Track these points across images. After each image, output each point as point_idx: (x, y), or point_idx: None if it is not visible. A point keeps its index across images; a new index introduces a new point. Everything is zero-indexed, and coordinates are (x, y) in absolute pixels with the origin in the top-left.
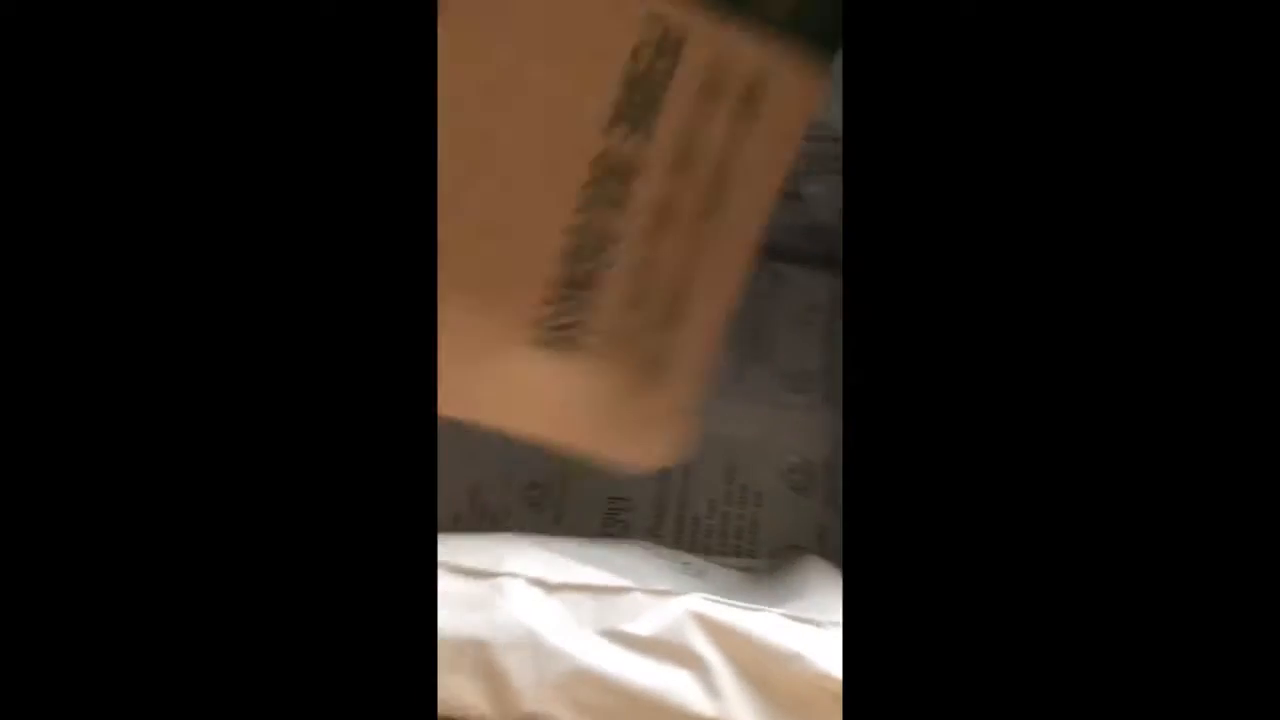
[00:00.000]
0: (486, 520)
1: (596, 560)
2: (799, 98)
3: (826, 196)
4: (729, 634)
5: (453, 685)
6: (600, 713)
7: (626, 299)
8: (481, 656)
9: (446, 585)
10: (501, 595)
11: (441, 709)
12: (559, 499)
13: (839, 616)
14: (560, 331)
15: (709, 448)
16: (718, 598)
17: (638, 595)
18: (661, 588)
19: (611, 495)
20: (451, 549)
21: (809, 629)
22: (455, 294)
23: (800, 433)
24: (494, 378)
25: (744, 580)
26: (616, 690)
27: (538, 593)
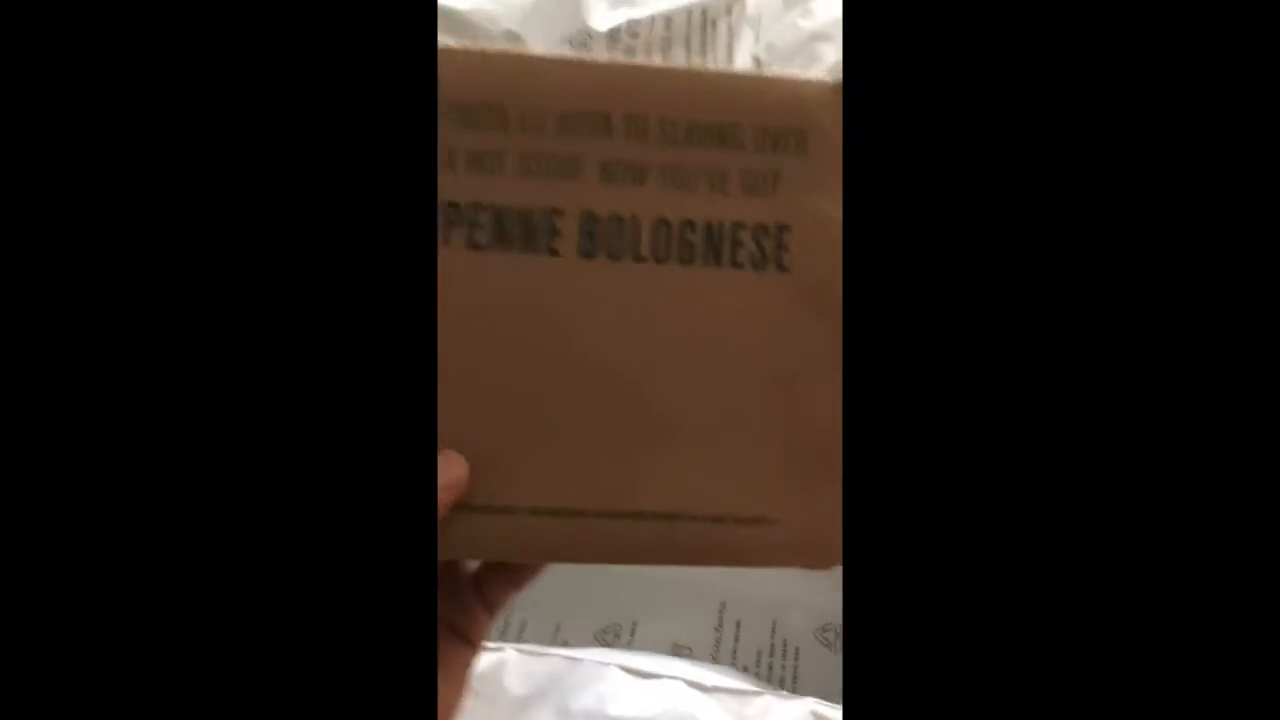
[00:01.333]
0: None
1: (726, 673)
2: None
3: None
4: None
5: None
6: None
7: None
8: None
9: (624, 683)
10: (670, 692)
11: None
12: (629, 640)
13: None
14: None
15: (755, 605)
16: (830, 703)
17: (768, 697)
18: (784, 693)
19: (675, 641)
20: (620, 656)
21: None
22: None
23: (826, 596)
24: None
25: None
26: None
27: (697, 692)
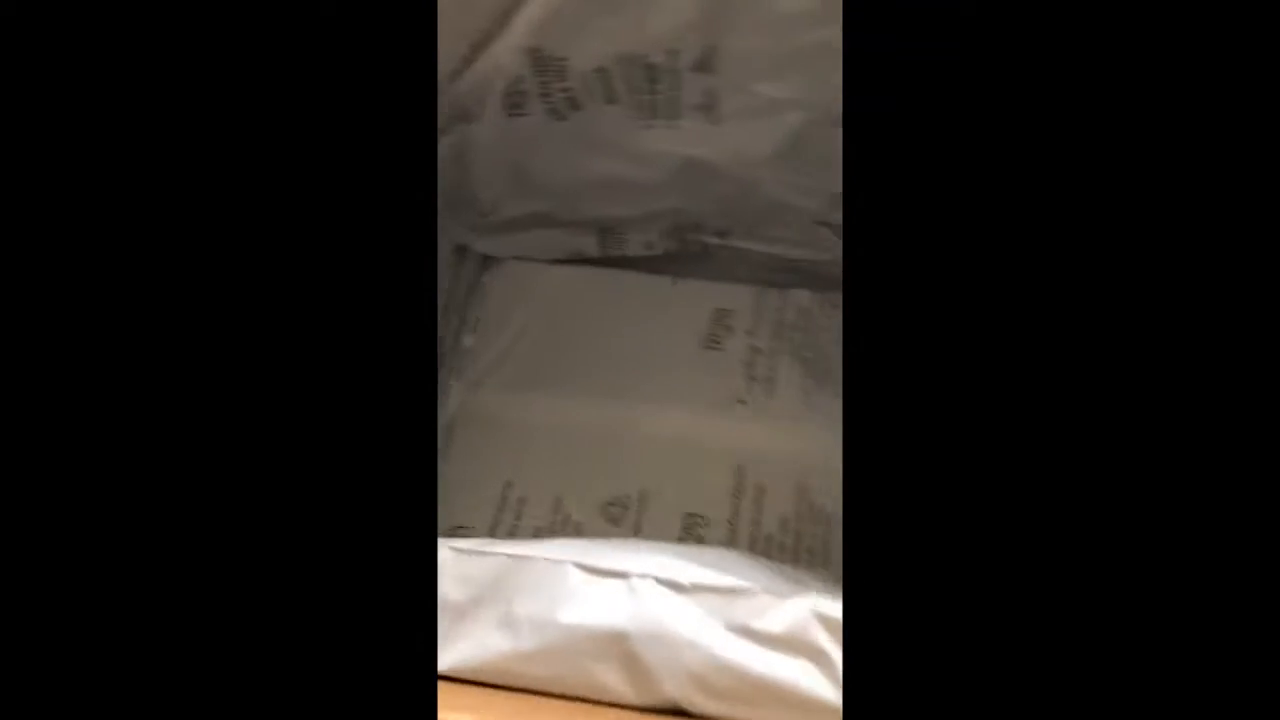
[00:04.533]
0: (569, 531)
1: (712, 564)
2: None
3: None
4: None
5: (599, 672)
6: (734, 699)
7: None
8: (624, 648)
9: (582, 583)
10: (637, 594)
11: (587, 692)
12: (637, 515)
13: None
14: None
15: (781, 468)
16: (834, 599)
17: (763, 596)
18: (780, 589)
19: (688, 512)
20: (579, 551)
21: None
22: None
23: None
24: None
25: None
26: (750, 680)
27: (670, 592)
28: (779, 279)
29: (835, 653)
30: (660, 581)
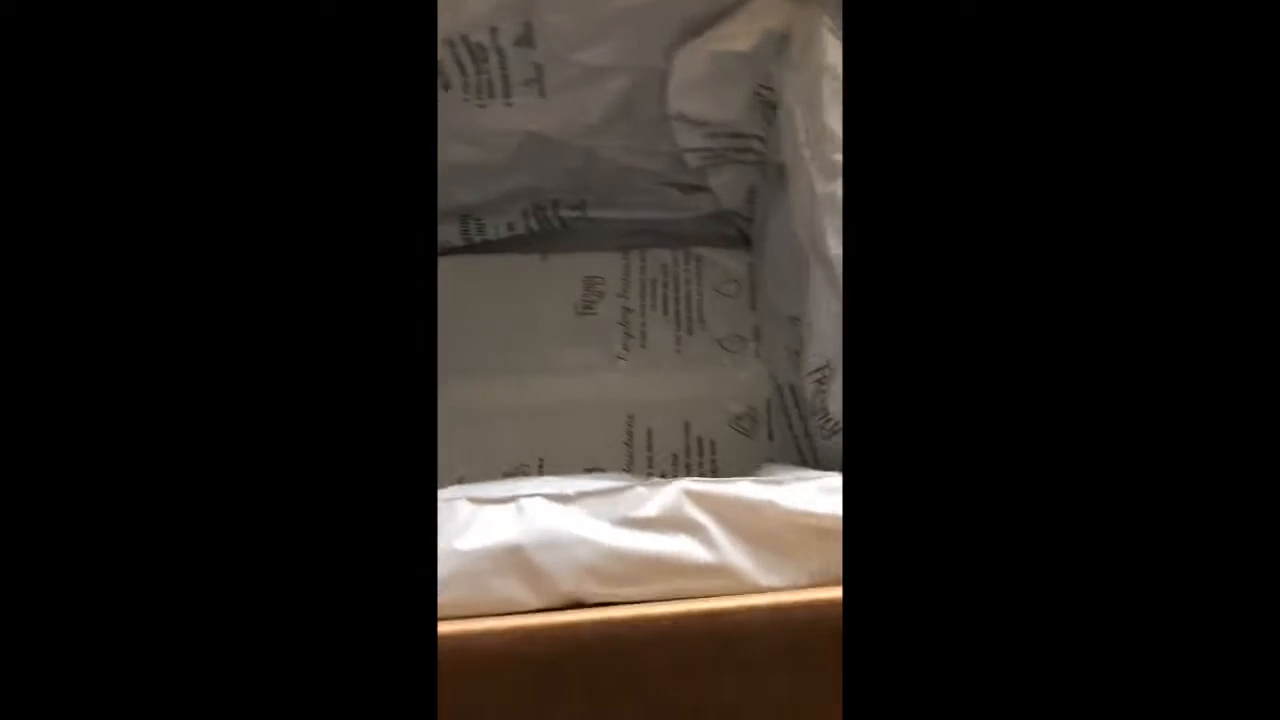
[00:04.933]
0: None
1: (595, 478)
2: None
3: (730, 185)
4: (716, 501)
5: (499, 587)
6: (625, 580)
7: None
8: (520, 558)
9: (478, 513)
10: (526, 512)
11: (493, 607)
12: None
13: (794, 475)
14: None
15: (663, 412)
16: (703, 479)
17: (639, 489)
18: (655, 479)
19: (585, 466)
20: (472, 490)
21: (773, 486)
22: None
23: (739, 386)
24: None
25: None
26: (636, 561)
27: (556, 505)
28: (639, 241)
29: (706, 521)
30: (547, 498)
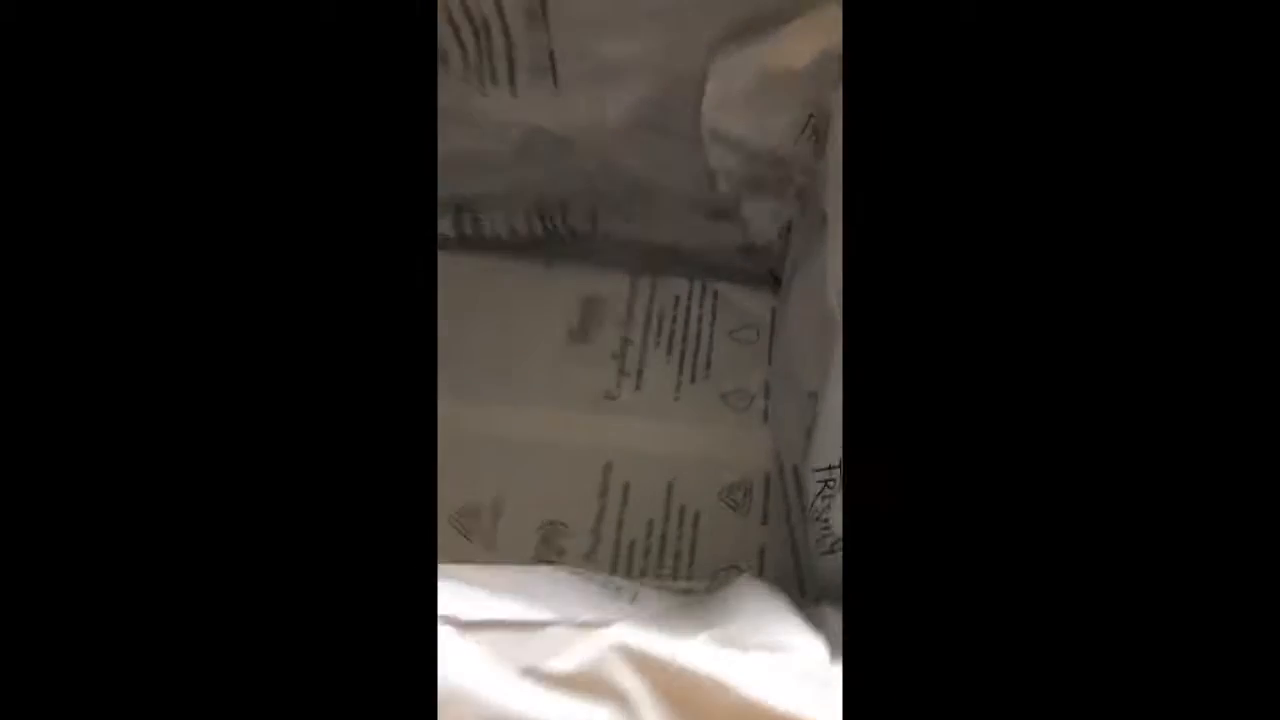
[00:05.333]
0: None
1: (519, 591)
2: None
3: (764, 217)
4: (653, 665)
5: None
6: None
7: None
8: None
9: None
10: None
11: None
12: (491, 525)
13: (766, 638)
14: None
15: (646, 468)
16: (643, 627)
17: (560, 629)
18: (586, 618)
19: (548, 519)
20: None
21: (734, 653)
22: None
23: (738, 451)
24: None
25: (675, 605)
26: None
27: (450, 631)
28: (653, 265)
29: (636, 690)
30: (443, 620)
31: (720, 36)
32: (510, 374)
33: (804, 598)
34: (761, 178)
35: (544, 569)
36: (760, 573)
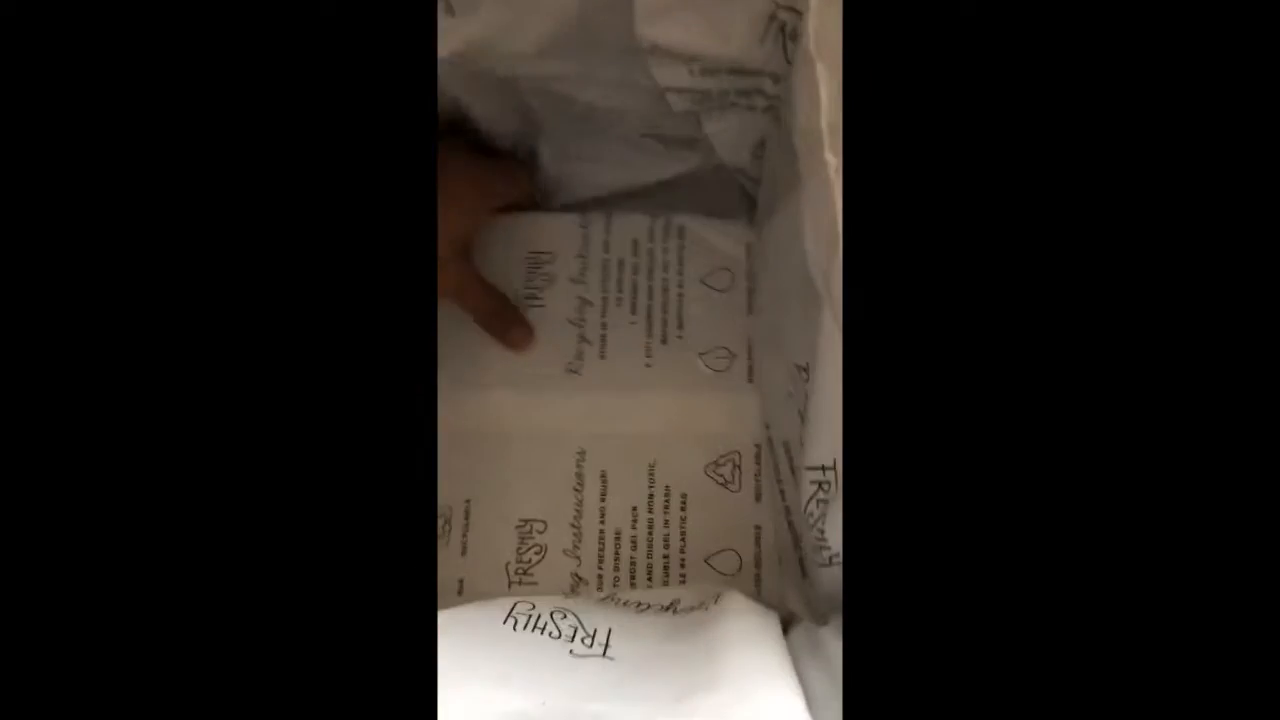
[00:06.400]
0: None
1: (483, 674)
2: None
3: (731, 135)
4: None
5: None
6: None
7: None
8: None
9: None
10: None
11: None
12: (463, 530)
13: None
14: None
15: (623, 450)
16: None
17: None
18: None
19: (523, 516)
20: None
21: None
22: None
23: (722, 419)
24: None
25: (653, 658)
26: None
27: None
28: (604, 202)
29: None
30: None
31: None
32: (458, 357)
33: (808, 609)
34: (723, 91)
35: (500, 625)
36: (758, 555)
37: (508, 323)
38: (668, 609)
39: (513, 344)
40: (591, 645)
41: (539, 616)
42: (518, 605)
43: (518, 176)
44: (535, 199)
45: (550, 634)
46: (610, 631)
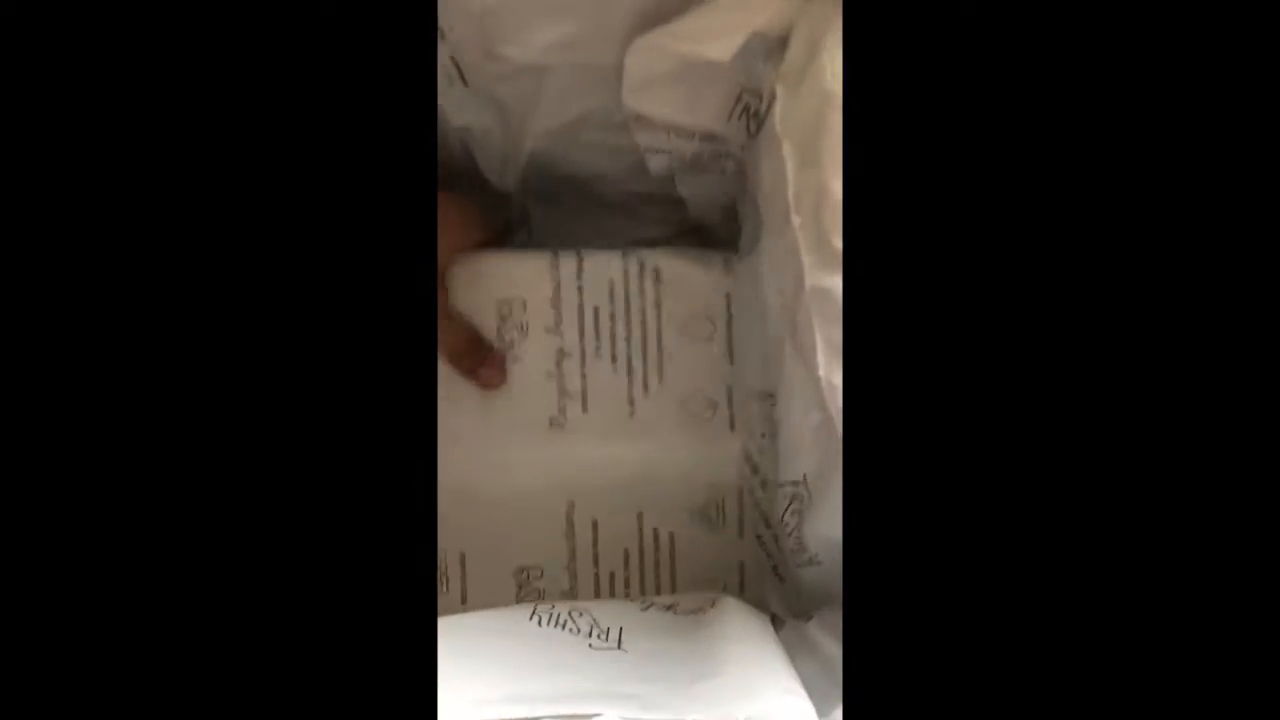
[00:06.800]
0: None
1: (504, 661)
2: None
3: (703, 194)
4: None
5: None
6: None
7: None
8: None
9: None
10: None
11: None
12: (462, 582)
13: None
14: None
15: (611, 500)
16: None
17: None
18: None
19: (519, 565)
20: None
21: None
22: None
23: (706, 466)
24: None
25: (661, 652)
26: None
27: None
28: (579, 242)
29: None
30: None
31: (632, 25)
32: (442, 413)
33: (790, 611)
34: (697, 154)
35: (527, 621)
36: (741, 589)
37: (477, 361)
38: (669, 609)
39: (483, 383)
40: (606, 639)
41: (559, 615)
42: (539, 606)
43: (497, 211)
44: (509, 235)
45: (570, 629)
46: (622, 629)
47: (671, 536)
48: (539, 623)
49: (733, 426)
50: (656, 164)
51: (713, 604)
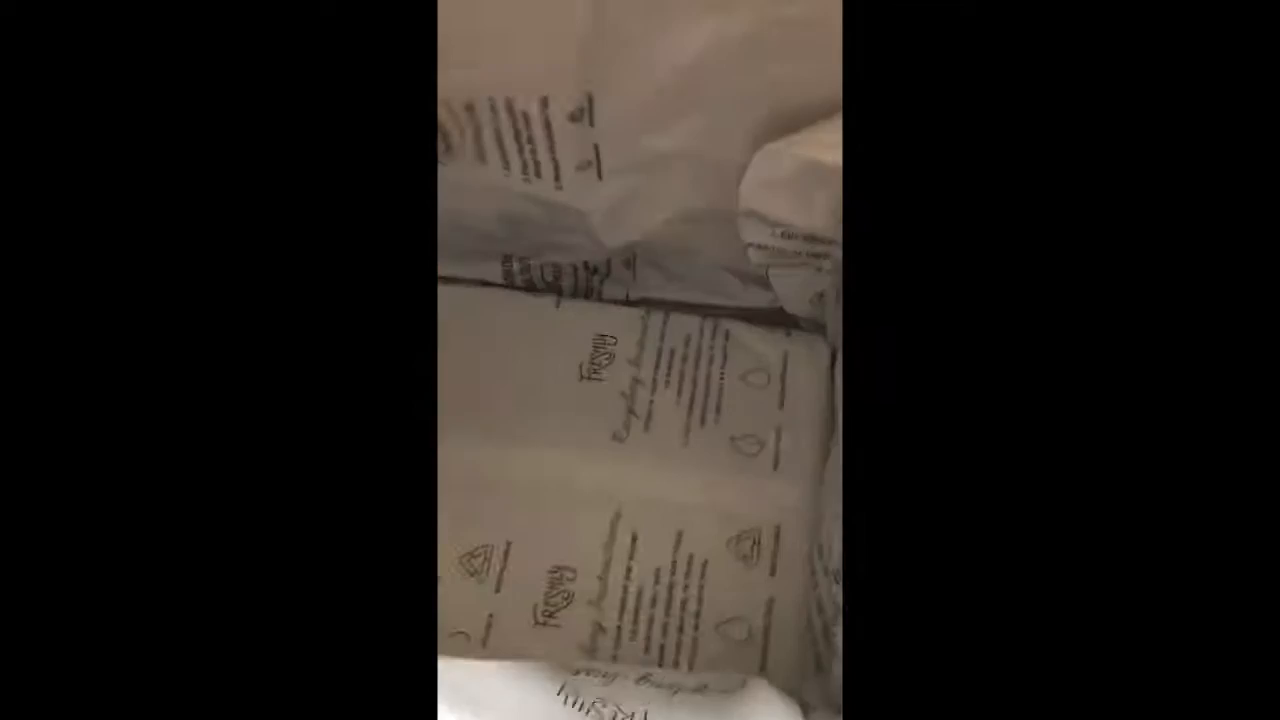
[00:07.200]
0: None
1: None
2: None
3: (795, 289)
4: None
5: None
6: None
7: None
8: None
9: None
10: None
11: None
12: (500, 568)
13: None
14: None
15: (655, 516)
16: None
17: None
18: None
19: (556, 563)
20: None
21: None
22: None
23: (747, 500)
24: None
25: None
26: None
27: None
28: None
29: None
30: None
31: (762, 129)
32: (522, 413)
33: (825, 701)
34: (797, 253)
35: (537, 685)
36: (767, 625)
37: None
38: (696, 692)
39: None
40: None
41: (584, 704)
42: (569, 681)
43: None
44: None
45: (594, 716)
46: (647, 714)
47: (705, 564)
48: (565, 701)
49: (776, 465)
50: (759, 258)
51: (743, 685)
